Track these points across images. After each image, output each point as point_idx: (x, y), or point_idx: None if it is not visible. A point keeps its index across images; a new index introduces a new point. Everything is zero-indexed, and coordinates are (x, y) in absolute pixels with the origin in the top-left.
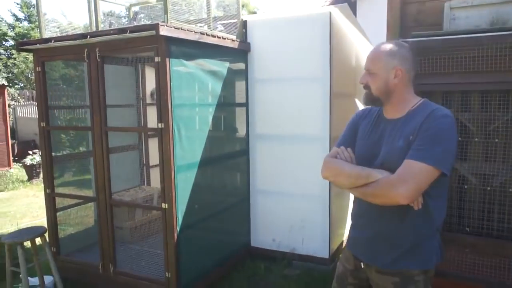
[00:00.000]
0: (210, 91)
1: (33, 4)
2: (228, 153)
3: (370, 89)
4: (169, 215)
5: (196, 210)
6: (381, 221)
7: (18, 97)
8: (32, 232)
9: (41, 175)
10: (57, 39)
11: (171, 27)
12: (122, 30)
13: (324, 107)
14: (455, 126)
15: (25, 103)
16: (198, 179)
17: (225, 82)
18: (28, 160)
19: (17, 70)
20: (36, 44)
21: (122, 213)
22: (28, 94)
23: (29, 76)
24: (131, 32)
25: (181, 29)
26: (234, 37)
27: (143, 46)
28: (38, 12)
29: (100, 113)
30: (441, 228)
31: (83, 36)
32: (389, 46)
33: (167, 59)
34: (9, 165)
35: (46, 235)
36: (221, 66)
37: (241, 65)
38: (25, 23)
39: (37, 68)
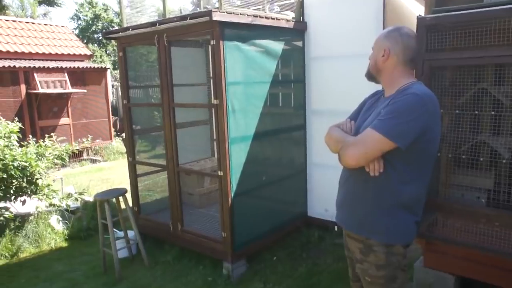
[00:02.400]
0: (264, 69)
1: None
2: (284, 128)
3: (368, 64)
4: (224, 182)
5: (250, 179)
6: (348, 184)
7: None
8: (116, 192)
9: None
10: (133, 27)
11: (224, 12)
12: (182, 18)
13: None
14: (423, 103)
15: None
16: (253, 150)
17: (280, 60)
18: None
19: None
20: (118, 32)
21: (192, 181)
22: None
23: None
24: (191, 19)
25: (233, 13)
26: (289, 18)
27: (201, 31)
28: (120, 3)
29: (168, 91)
30: (417, 208)
31: (152, 24)
32: (390, 29)
33: (221, 42)
34: (110, 138)
35: (128, 196)
36: (276, 46)
37: (297, 44)
38: (128, 10)
39: (120, 53)
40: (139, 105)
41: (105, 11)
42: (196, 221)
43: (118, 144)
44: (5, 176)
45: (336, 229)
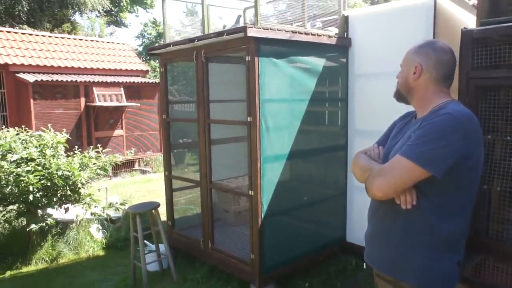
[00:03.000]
0: (303, 87)
1: (196, 11)
2: (323, 147)
3: (397, 84)
4: (254, 201)
5: (283, 199)
6: (377, 218)
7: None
8: (148, 206)
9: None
10: (173, 43)
11: (260, 28)
12: (219, 34)
13: None
14: (460, 125)
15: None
16: (287, 170)
17: (322, 77)
18: None
19: None
20: (160, 49)
21: (229, 198)
22: None
23: None
24: (228, 35)
25: (270, 29)
26: (331, 34)
27: (238, 47)
28: (163, 21)
29: (204, 107)
30: (458, 247)
31: (190, 40)
32: (419, 44)
33: (256, 58)
34: (160, 150)
35: (162, 210)
36: (317, 62)
37: (340, 61)
38: (189, 28)
39: (161, 68)
40: (177, 120)
41: (179, 33)
42: (229, 239)
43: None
44: (49, 184)
45: (365, 267)
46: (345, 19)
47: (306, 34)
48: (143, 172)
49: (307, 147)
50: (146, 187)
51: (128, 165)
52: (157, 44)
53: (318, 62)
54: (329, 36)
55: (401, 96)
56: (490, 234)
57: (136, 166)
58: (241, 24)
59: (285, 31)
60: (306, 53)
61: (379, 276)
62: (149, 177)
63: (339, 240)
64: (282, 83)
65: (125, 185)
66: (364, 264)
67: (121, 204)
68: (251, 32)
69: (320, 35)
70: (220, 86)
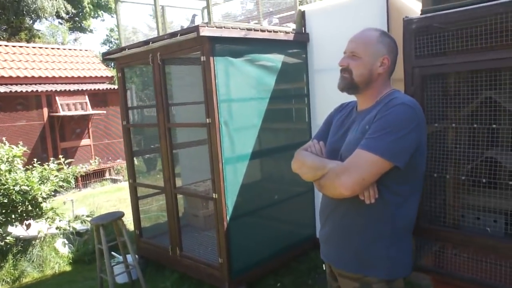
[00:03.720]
0: (262, 85)
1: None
2: (287, 145)
3: (352, 74)
4: (219, 204)
5: (248, 200)
6: (336, 215)
7: None
8: (111, 216)
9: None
10: (129, 47)
11: (213, 27)
12: (172, 35)
13: None
14: (414, 114)
15: None
16: (251, 170)
17: (281, 74)
18: None
19: None
20: (115, 53)
21: (197, 202)
22: None
23: None
24: (181, 35)
25: (224, 28)
26: (288, 30)
27: (193, 47)
28: (118, 24)
29: (163, 111)
30: (411, 231)
31: (145, 42)
32: (378, 33)
33: (211, 58)
34: None
35: (127, 219)
36: (275, 59)
37: (299, 56)
38: (156, 32)
39: (118, 74)
40: (137, 126)
41: (134, 34)
42: (199, 244)
43: (139, 163)
44: (6, 200)
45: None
46: (302, 14)
47: (262, 31)
48: (114, 181)
49: (271, 146)
50: (117, 196)
51: (98, 175)
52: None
53: (277, 59)
54: (286, 32)
55: (353, 85)
56: (447, 222)
57: (107, 175)
58: (197, 23)
59: (239, 29)
60: (264, 51)
61: (341, 275)
62: (120, 186)
63: (309, 238)
64: (240, 82)
65: (95, 195)
66: (324, 265)
67: (87, 216)
68: (204, 32)
69: (276, 32)
70: (182, 88)
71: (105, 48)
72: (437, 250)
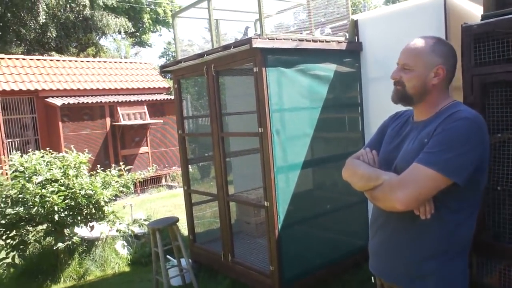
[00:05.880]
0: (314, 94)
1: (208, 23)
2: (339, 154)
3: (405, 87)
4: (270, 212)
5: (300, 209)
6: (388, 228)
7: None
8: (167, 221)
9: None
10: (184, 60)
11: (265, 39)
12: (225, 47)
13: None
14: (479, 130)
15: None
16: (303, 179)
17: (332, 84)
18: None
19: None
20: (172, 66)
21: (250, 209)
22: None
23: None
24: (234, 47)
25: (276, 39)
26: (340, 39)
27: (245, 59)
28: (175, 38)
29: (217, 120)
30: (468, 250)
31: (199, 55)
32: (432, 41)
33: (264, 69)
34: None
35: (182, 223)
36: (327, 69)
37: (352, 65)
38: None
39: (175, 85)
40: (192, 135)
41: (190, 47)
42: (251, 251)
43: (194, 171)
44: (73, 203)
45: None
46: (355, 23)
47: (314, 41)
48: (170, 187)
49: (323, 155)
50: (172, 202)
51: (155, 181)
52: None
53: (329, 68)
54: (339, 42)
55: (408, 98)
56: None
57: (163, 182)
58: (250, 35)
59: (291, 39)
60: (316, 60)
61: None
62: (175, 192)
63: (362, 249)
64: (292, 92)
65: (152, 201)
66: (372, 277)
67: (145, 220)
68: (257, 43)
69: (328, 41)
70: (233, 99)
71: (162, 61)
72: (502, 268)
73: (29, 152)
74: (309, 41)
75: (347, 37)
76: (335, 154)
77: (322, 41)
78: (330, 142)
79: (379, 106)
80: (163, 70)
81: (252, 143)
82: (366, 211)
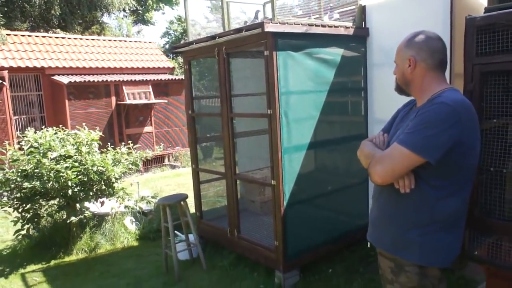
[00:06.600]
0: (322, 78)
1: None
2: (343, 137)
3: (396, 79)
4: (276, 191)
5: (305, 188)
6: (380, 201)
7: None
8: (177, 197)
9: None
10: (196, 41)
11: (277, 23)
12: (238, 30)
13: None
14: (454, 113)
15: None
16: (308, 160)
17: (339, 68)
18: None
19: None
20: (183, 47)
21: (254, 188)
22: None
23: None
24: (246, 31)
25: (287, 23)
26: (348, 24)
27: (256, 42)
28: (186, 19)
29: (227, 101)
30: (456, 226)
31: (211, 37)
32: (409, 37)
33: (274, 52)
34: (188, 145)
35: (190, 202)
36: (335, 53)
37: (358, 51)
38: (214, 23)
39: (185, 66)
40: (202, 115)
41: (193, 26)
42: (255, 228)
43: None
44: (85, 179)
45: (369, 246)
46: (362, 8)
47: (323, 26)
48: (173, 167)
49: (327, 137)
50: (176, 181)
51: (158, 161)
52: (182, 41)
53: (336, 53)
54: (346, 27)
55: (401, 89)
56: (505, 216)
57: (166, 161)
58: (260, 18)
59: (301, 24)
60: (324, 45)
61: (381, 254)
62: (179, 172)
63: (362, 228)
64: (301, 75)
65: (156, 179)
66: (368, 243)
67: (152, 197)
68: (268, 28)
69: (337, 27)
70: (242, 80)
71: (164, 40)
72: (492, 242)
73: (35, 129)
74: (318, 26)
75: (355, 22)
76: (338, 137)
77: (331, 26)
78: (334, 125)
79: (383, 92)
80: (175, 51)
81: (256, 125)
82: (367, 191)
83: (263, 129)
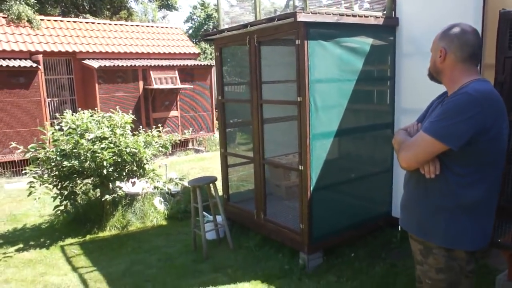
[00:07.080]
0: (351, 67)
1: None
2: (370, 125)
3: (429, 67)
4: (304, 176)
5: (331, 174)
6: (409, 186)
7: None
8: (207, 179)
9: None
10: (228, 29)
11: (308, 13)
12: (270, 20)
13: None
14: (476, 103)
15: None
16: (335, 147)
17: (368, 57)
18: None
19: None
20: (215, 34)
21: (280, 173)
22: None
23: None
24: (278, 20)
25: (318, 13)
26: (378, 14)
27: (288, 31)
28: (218, 8)
29: (257, 88)
30: (484, 213)
31: (244, 26)
32: (445, 28)
33: (306, 41)
34: (213, 130)
35: (218, 183)
36: (365, 43)
37: (388, 40)
38: (237, 9)
39: (216, 53)
40: (232, 101)
41: (216, 11)
42: (280, 211)
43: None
44: (119, 160)
45: (399, 230)
46: None
47: (353, 16)
48: (197, 151)
49: (355, 125)
50: (200, 165)
51: (182, 145)
52: (205, 27)
53: (366, 42)
54: (376, 17)
55: (432, 76)
56: None
57: (190, 146)
58: (291, 7)
59: (332, 14)
60: (353, 34)
61: (411, 237)
62: (203, 156)
63: (385, 215)
64: (330, 64)
65: (181, 163)
66: (399, 227)
67: (180, 179)
68: (301, 17)
69: (367, 16)
70: (270, 68)
71: (187, 26)
72: None
73: (66, 111)
74: (349, 15)
75: (385, 11)
76: (365, 125)
77: (361, 16)
78: (362, 113)
79: (411, 81)
80: (206, 39)
81: (280, 112)
82: (391, 180)
83: (288, 115)
